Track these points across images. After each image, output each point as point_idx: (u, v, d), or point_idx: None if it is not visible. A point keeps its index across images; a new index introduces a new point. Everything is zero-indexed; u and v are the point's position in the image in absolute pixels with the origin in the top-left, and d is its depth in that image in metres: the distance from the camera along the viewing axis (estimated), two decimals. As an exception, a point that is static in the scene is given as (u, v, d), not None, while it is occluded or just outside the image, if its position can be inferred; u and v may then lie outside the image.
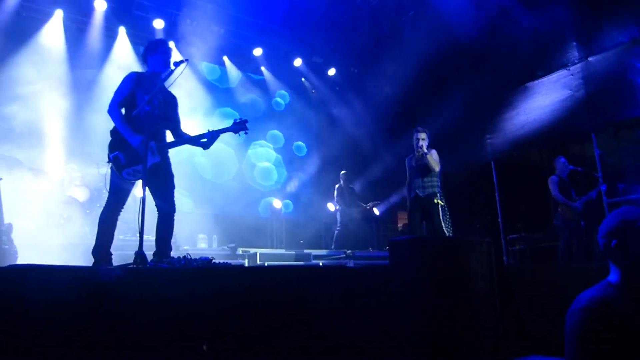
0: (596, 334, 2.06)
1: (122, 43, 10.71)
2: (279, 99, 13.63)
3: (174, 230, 4.78)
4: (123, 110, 4.61)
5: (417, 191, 6.90)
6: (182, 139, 4.80)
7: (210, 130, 4.78)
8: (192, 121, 8.91)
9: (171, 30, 10.99)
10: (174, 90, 4.96)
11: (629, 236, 2.19)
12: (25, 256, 6.23)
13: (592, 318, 2.09)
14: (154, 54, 4.78)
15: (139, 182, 4.42)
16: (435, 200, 6.76)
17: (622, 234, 2.21)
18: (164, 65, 4.69)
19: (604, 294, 2.18)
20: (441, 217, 6.70)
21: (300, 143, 13.99)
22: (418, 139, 7.00)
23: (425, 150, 6.86)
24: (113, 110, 4.55)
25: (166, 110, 4.77)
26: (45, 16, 9.91)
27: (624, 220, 2.24)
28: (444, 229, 6.67)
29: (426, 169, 6.92)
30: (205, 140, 4.72)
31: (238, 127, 4.86)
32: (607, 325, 2.06)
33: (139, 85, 4.62)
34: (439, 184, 6.96)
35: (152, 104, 4.45)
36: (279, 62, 13.35)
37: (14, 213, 7.27)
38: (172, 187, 4.72)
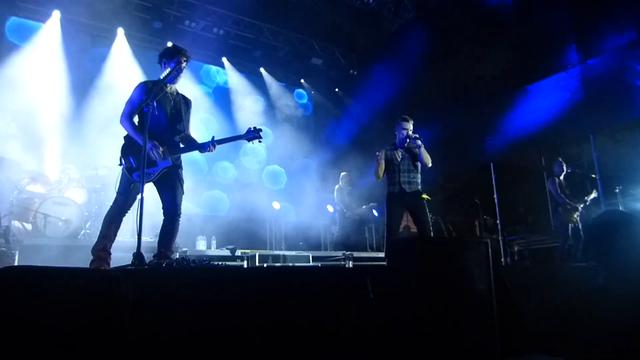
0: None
1: (121, 44, 10.73)
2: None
3: (177, 236, 4.81)
4: (136, 118, 4.69)
5: (404, 186, 6.41)
6: (191, 145, 4.80)
7: (217, 137, 4.82)
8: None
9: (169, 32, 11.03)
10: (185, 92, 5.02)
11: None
12: (23, 258, 6.22)
13: None
14: (168, 63, 4.78)
15: (148, 185, 4.53)
16: (423, 196, 6.46)
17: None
18: (173, 77, 4.71)
19: None
20: (427, 212, 6.46)
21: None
22: (406, 129, 6.52)
23: (420, 142, 6.34)
24: (125, 120, 4.62)
25: (175, 114, 4.78)
26: (44, 17, 9.93)
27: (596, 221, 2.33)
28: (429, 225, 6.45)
29: (413, 164, 6.50)
30: (210, 148, 4.74)
31: (252, 135, 4.90)
32: None
33: (149, 93, 4.64)
34: (421, 180, 6.59)
35: (158, 109, 4.49)
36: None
37: (11, 215, 7.27)
38: (181, 192, 4.74)
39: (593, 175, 8.98)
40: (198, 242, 8.50)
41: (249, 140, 4.94)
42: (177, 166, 4.75)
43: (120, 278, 2.57)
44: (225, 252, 7.90)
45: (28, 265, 2.69)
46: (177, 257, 5.95)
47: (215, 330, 2.76)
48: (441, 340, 2.56)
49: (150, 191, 4.63)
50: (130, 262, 3.82)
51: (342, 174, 10.83)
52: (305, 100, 14.55)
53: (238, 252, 7.81)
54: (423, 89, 11.91)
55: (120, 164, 4.60)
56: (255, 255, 7.49)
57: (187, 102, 4.98)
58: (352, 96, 14.27)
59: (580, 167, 9.52)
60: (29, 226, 7.36)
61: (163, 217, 4.70)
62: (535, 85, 10.44)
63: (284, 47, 13.16)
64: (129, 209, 4.63)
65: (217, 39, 11.97)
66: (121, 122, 4.64)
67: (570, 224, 8.18)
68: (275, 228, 11.93)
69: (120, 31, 10.71)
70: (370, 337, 3.16)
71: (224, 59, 12.66)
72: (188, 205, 8.31)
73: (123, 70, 10.42)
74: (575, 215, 8.18)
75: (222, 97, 12.66)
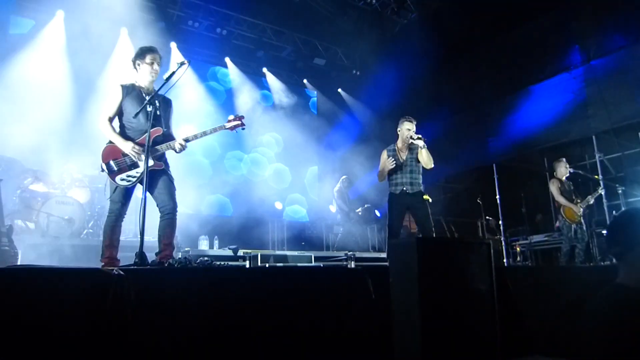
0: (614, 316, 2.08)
1: (124, 44, 10.73)
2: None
3: (176, 231, 4.78)
4: (115, 120, 4.69)
5: (405, 188, 6.36)
6: (166, 143, 4.71)
7: (202, 131, 4.80)
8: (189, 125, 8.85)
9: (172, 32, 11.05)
10: (174, 92, 4.98)
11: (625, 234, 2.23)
12: (26, 257, 6.24)
13: (610, 303, 2.11)
14: (141, 63, 4.79)
15: (139, 186, 4.50)
16: (425, 197, 6.42)
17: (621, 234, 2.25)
18: (149, 74, 4.72)
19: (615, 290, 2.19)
20: (429, 213, 6.41)
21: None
22: (409, 130, 6.44)
23: (423, 143, 6.26)
24: (103, 124, 4.62)
25: (157, 114, 4.74)
26: (47, 16, 9.94)
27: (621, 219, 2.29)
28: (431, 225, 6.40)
29: (416, 165, 6.44)
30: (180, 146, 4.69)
31: (233, 124, 4.88)
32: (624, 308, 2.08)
33: (127, 95, 4.67)
34: (423, 181, 6.54)
35: (140, 111, 4.48)
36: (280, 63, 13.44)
37: (14, 214, 7.29)
38: (172, 188, 4.70)
39: (596, 177, 8.95)
40: (200, 241, 8.49)
41: (232, 129, 4.91)
42: (162, 164, 4.70)
43: (122, 278, 2.57)
44: (228, 252, 7.90)
45: (31, 265, 2.70)
46: (180, 256, 5.96)
47: (217, 330, 2.76)
48: (442, 340, 2.56)
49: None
50: (132, 262, 3.83)
51: (343, 177, 10.87)
52: (309, 100, 14.56)
53: (240, 252, 7.80)
54: (426, 90, 11.90)
55: (102, 170, 4.56)
56: (257, 255, 7.48)
57: (166, 101, 4.94)
58: (355, 96, 14.27)
59: (583, 168, 9.52)
60: (32, 225, 7.38)
61: (159, 215, 4.66)
62: (538, 86, 10.41)
63: (286, 48, 13.16)
64: (125, 214, 4.61)
65: (220, 39, 11.97)
66: (100, 126, 4.63)
67: (573, 225, 8.16)
68: (278, 228, 11.96)
69: (124, 31, 10.71)
70: (371, 337, 3.17)
71: (227, 59, 12.65)
72: (188, 211, 8.33)
73: (126, 69, 10.40)
74: (577, 216, 8.17)
75: (224, 97, 12.66)
